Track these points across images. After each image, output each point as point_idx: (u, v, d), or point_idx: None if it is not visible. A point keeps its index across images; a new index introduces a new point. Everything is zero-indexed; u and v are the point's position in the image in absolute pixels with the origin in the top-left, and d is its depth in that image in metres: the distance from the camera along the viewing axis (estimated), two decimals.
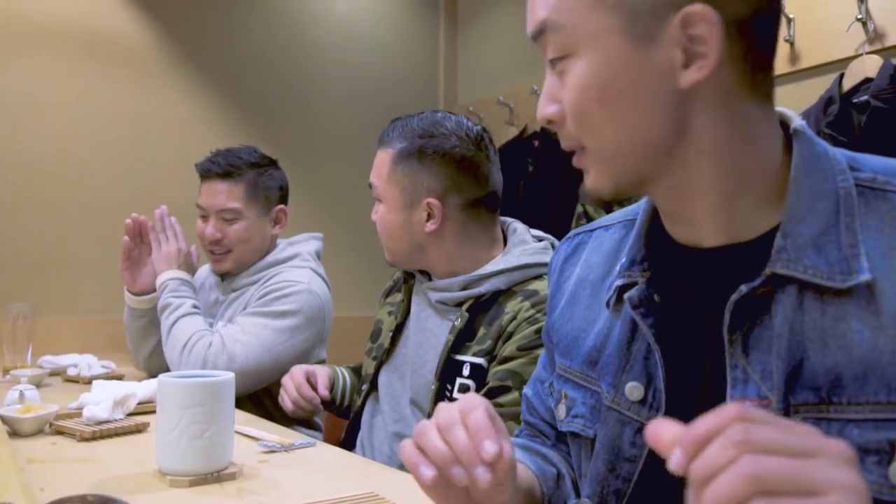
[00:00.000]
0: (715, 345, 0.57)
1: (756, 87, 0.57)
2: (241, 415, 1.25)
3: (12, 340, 1.70)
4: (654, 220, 0.66)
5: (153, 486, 0.82)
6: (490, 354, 1.11)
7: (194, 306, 1.56)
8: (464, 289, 1.16)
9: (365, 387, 1.31)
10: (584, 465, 0.70)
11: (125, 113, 2.32)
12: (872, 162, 0.58)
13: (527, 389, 0.86)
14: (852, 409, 0.51)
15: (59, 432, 1.03)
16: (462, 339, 1.13)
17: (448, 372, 1.13)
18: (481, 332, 1.13)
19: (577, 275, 0.75)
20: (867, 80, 1.54)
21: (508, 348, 1.08)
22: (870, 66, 1.54)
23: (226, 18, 2.54)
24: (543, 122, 0.60)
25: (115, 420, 1.05)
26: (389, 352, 1.27)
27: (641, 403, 0.62)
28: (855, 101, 1.53)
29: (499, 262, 1.16)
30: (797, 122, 0.60)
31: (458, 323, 1.13)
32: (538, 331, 1.06)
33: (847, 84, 1.57)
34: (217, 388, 0.85)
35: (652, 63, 0.54)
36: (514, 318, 1.10)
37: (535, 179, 2.44)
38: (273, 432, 1.08)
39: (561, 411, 0.73)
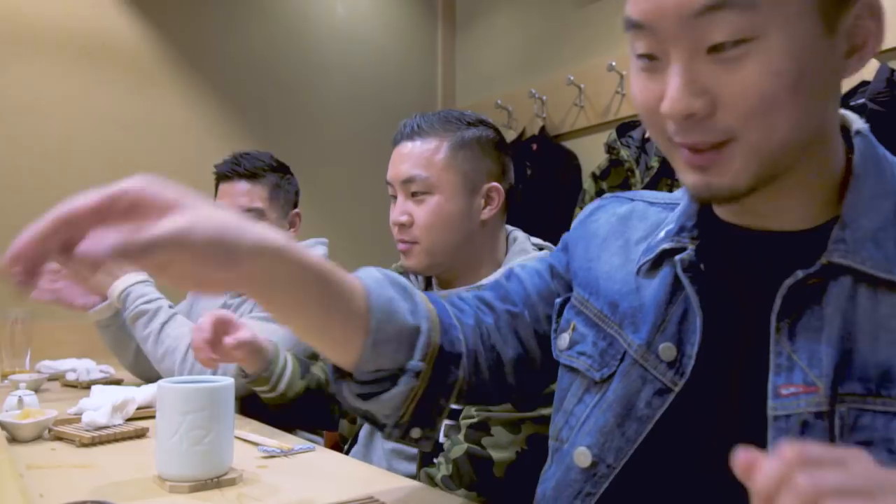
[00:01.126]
0: (758, 327, 0.57)
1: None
2: (240, 420, 1.25)
3: (11, 345, 1.70)
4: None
5: (153, 492, 0.81)
6: None
7: (169, 306, 1.53)
8: None
9: None
10: (571, 401, 0.69)
11: (124, 117, 2.33)
12: None
13: (505, 278, 0.81)
14: None
15: (58, 438, 1.03)
16: None
17: None
18: None
19: (612, 226, 0.73)
20: (864, 84, 1.55)
21: None
22: (866, 69, 1.54)
23: (225, 23, 2.55)
24: (682, 116, 0.53)
25: (115, 425, 1.05)
26: None
27: (669, 365, 0.61)
28: (852, 104, 1.54)
29: (498, 274, 1.14)
30: (860, 123, 0.60)
31: None
32: None
33: (844, 87, 1.58)
34: (217, 393, 0.85)
35: (834, 51, 0.52)
36: None
37: (532, 183, 2.44)
38: (272, 437, 1.08)
39: (563, 340, 0.72)
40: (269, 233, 0.55)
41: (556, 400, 0.73)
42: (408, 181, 1.17)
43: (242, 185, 1.65)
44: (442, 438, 1.04)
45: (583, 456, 0.65)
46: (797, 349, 0.55)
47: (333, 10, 2.82)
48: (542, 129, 2.50)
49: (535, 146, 2.49)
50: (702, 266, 0.62)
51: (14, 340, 1.70)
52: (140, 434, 1.05)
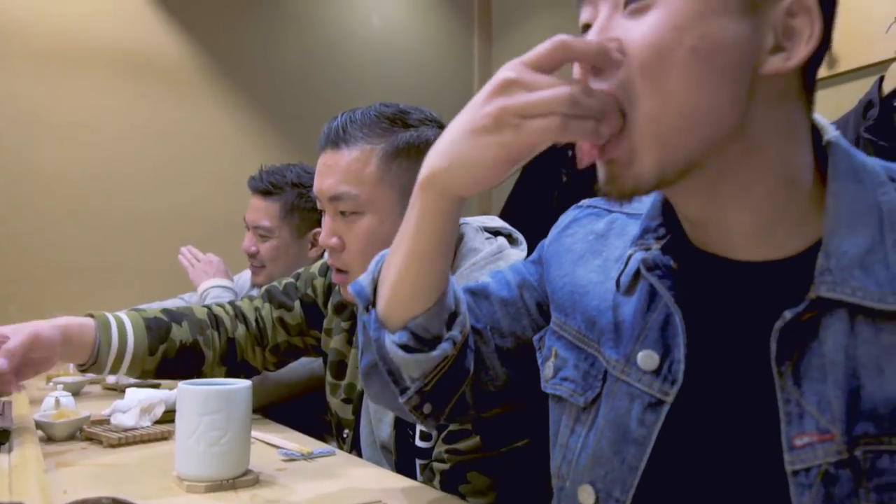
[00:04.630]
0: (757, 372, 0.53)
1: (807, 91, 0.55)
2: (262, 422, 1.27)
3: None
4: (669, 205, 0.62)
5: (170, 492, 0.83)
6: None
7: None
8: None
9: (347, 432, 1.17)
10: (564, 433, 0.66)
11: (166, 129, 2.41)
12: None
13: (488, 281, 0.79)
14: None
15: (89, 438, 1.06)
16: None
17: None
18: None
19: (588, 244, 0.71)
20: None
21: None
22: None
23: (263, 36, 2.61)
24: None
25: (142, 427, 1.08)
26: (363, 393, 1.11)
27: (655, 374, 0.57)
28: None
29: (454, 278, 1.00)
30: (831, 132, 0.56)
31: None
32: None
33: (887, 87, 1.52)
34: (234, 395, 0.87)
35: (749, 34, 0.51)
36: None
37: (569, 190, 2.42)
38: (294, 441, 1.09)
39: (548, 370, 0.69)
40: None
41: (551, 434, 0.70)
42: (335, 199, 1.00)
43: (258, 202, 1.69)
44: (419, 477, 0.99)
45: (586, 493, 0.60)
46: (804, 393, 0.51)
47: (369, 21, 2.86)
48: None
49: (571, 153, 2.46)
50: (673, 264, 0.59)
51: None
52: (165, 436, 1.07)
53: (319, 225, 1.71)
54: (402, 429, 1.05)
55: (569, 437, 0.66)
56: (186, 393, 0.86)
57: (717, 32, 0.49)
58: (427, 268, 0.66)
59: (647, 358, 0.58)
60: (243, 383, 0.89)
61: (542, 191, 2.52)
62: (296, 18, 2.69)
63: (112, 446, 1.02)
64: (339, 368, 1.18)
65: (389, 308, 0.68)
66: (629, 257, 0.62)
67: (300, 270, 1.28)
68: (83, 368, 1.11)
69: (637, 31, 0.51)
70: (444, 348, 0.67)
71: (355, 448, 1.17)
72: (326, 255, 1.07)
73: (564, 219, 0.77)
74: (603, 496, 0.59)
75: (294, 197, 1.69)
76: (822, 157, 0.56)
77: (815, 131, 0.57)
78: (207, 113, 2.50)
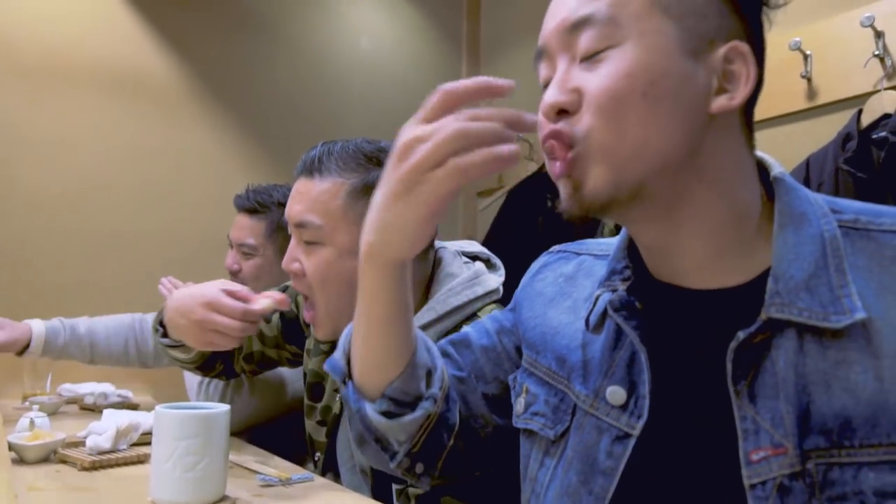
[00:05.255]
0: (712, 380, 0.57)
1: (750, 130, 0.61)
2: (242, 446, 1.25)
3: (33, 368, 1.74)
4: (633, 247, 0.67)
5: None
6: None
7: None
8: None
9: (318, 455, 1.16)
10: (534, 467, 0.68)
11: (151, 148, 2.39)
12: (853, 205, 0.60)
13: (468, 331, 0.81)
14: (865, 452, 0.50)
15: (63, 461, 1.04)
16: None
17: None
18: None
19: (558, 287, 0.74)
20: (886, 116, 1.51)
21: None
22: (888, 101, 1.52)
23: (252, 57, 2.62)
24: (552, 110, 0.59)
25: (118, 450, 1.06)
26: (338, 417, 1.12)
27: (622, 409, 0.61)
28: (874, 136, 1.51)
29: (424, 315, 0.98)
30: (777, 168, 0.62)
31: None
32: None
33: (865, 120, 1.55)
34: (212, 419, 0.86)
35: (694, 78, 0.56)
36: None
37: (554, 214, 2.43)
38: (273, 466, 1.08)
39: (519, 405, 0.72)
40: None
41: (521, 468, 0.73)
42: (299, 226, 1.01)
43: (243, 220, 1.70)
44: (395, 503, 0.98)
45: None
46: (759, 410, 0.54)
47: (358, 43, 2.88)
48: None
49: None
50: (637, 304, 0.62)
51: (36, 363, 1.74)
52: (142, 460, 1.06)
53: None
54: None
55: (538, 471, 0.68)
56: (163, 417, 0.85)
57: (664, 78, 0.56)
58: (391, 333, 0.67)
59: (614, 394, 0.61)
60: (222, 407, 0.88)
61: (527, 216, 2.53)
62: (285, 40, 2.71)
63: (86, 469, 1.00)
64: (316, 391, 1.17)
65: (364, 378, 0.70)
66: (597, 298, 0.66)
67: (288, 282, 1.26)
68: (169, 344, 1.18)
69: (594, 81, 0.57)
70: (426, 407, 0.69)
71: (330, 470, 1.15)
72: (291, 279, 1.07)
73: (536, 264, 0.81)
74: None
75: (280, 216, 1.69)
76: (770, 191, 0.61)
77: (762, 168, 0.62)
78: (193, 133, 2.49)
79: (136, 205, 2.35)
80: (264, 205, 1.69)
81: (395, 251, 0.62)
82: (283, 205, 1.67)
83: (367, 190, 0.99)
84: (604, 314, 0.65)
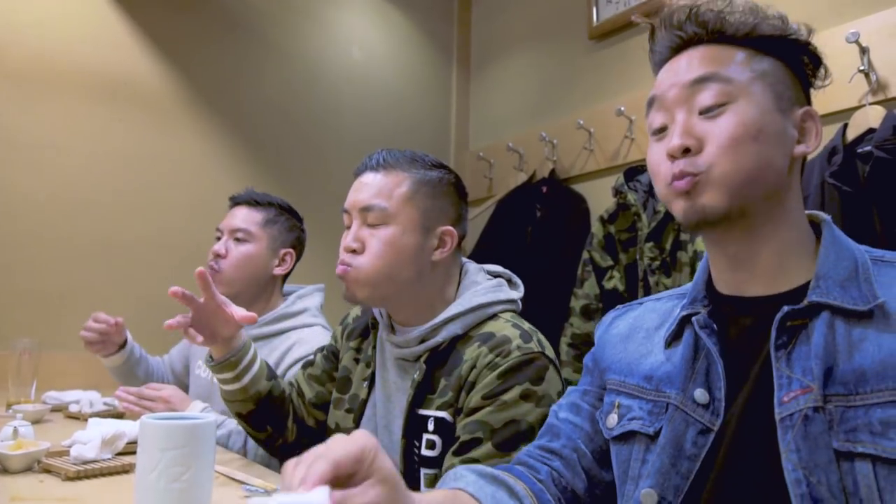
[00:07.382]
0: (762, 361, 0.73)
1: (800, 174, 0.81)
2: (228, 456, 1.24)
3: (17, 375, 1.72)
4: (708, 281, 0.83)
5: None
6: (453, 406, 1.08)
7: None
8: (421, 342, 1.14)
9: None
10: (635, 465, 0.80)
11: (139, 155, 2.38)
12: (885, 252, 0.77)
13: (553, 417, 0.92)
14: (875, 395, 0.65)
15: (47, 470, 1.03)
16: (423, 392, 1.11)
17: (413, 428, 1.10)
18: (442, 383, 1.10)
19: (630, 325, 0.91)
20: (871, 131, 1.53)
21: (473, 399, 1.04)
22: (873, 116, 1.54)
23: (242, 65, 2.62)
24: (679, 150, 0.74)
25: (102, 460, 1.05)
26: (366, 402, 1.23)
27: (706, 408, 0.75)
28: (859, 151, 1.53)
29: (451, 308, 1.15)
30: (825, 216, 0.80)
31: (417, 376, 1.11)
32: (501, 375, 1.04)
33: (851, 134, 1.57)
34: (198, 430, 0.85)
35: (785, 130, 0.75)
36: (474, 366, 1.07)
37: (543, 225, 2.44)
38: (258, 476, 1.07)
39: (612, 419, 0.85)
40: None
41: (617, 478, 0.83)
42: (366, 209, 1.17)
43: (243, 210, 1.75)
44: (423, 489, 1.01)
45: (648, 496, 0.75)
46: (793, 368, 0.69)
47: (349, 53, 2.88)
48: (553, 172, 2.51)
49: (545, 189, 2.49)
50: (714, 326, 0.78)
51: (21, 371, 1.72)
52: (127, 469, 1.05)
53: (294, 247, 1.78)
54: (410, 438, 1.11)
55: (640, 468, 0.79)
56: (149, 427, 0.84)
57: (767, 128, 0.74)
58: None
59: (701, 395, 0.76)
60: (208, 417, 0.88)
61: (516, 225, 2.54)
62: (276, 48, 2.71)
63: (70, 479, 0.99)
64: (345, 383, 1.29)
65: None
66: (679, 317, 0.83)
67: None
68: (217, 363, 1.22)
69: (716, 130, 0.74)
70: None
71: None
72: (341, 254, 1.19)
73: (608, 318, 0.97)
74: (661, 499, 0.75)
75: (276, 213, 1.76)
76: (815, 229, 0.80)
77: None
78: (182, 140, 2.48)
79: (124, 211, 2.34)
80: (262, 201, 1.75)
81: None
82: (280, 206, 1.76)
83: (424, 183, 1.19)
84: (679, 331, 0.82)
